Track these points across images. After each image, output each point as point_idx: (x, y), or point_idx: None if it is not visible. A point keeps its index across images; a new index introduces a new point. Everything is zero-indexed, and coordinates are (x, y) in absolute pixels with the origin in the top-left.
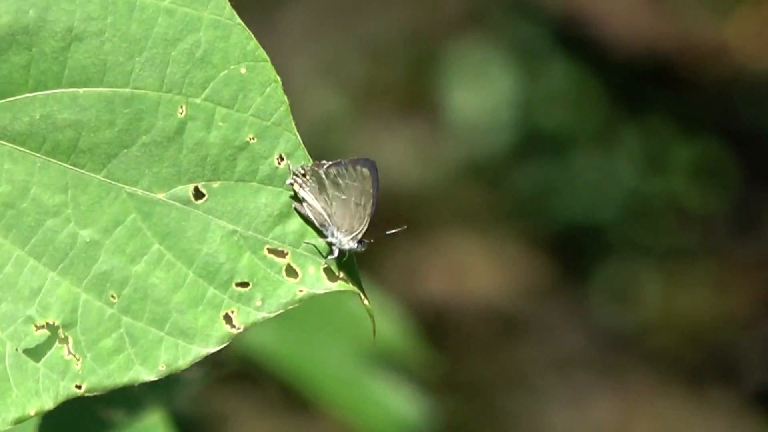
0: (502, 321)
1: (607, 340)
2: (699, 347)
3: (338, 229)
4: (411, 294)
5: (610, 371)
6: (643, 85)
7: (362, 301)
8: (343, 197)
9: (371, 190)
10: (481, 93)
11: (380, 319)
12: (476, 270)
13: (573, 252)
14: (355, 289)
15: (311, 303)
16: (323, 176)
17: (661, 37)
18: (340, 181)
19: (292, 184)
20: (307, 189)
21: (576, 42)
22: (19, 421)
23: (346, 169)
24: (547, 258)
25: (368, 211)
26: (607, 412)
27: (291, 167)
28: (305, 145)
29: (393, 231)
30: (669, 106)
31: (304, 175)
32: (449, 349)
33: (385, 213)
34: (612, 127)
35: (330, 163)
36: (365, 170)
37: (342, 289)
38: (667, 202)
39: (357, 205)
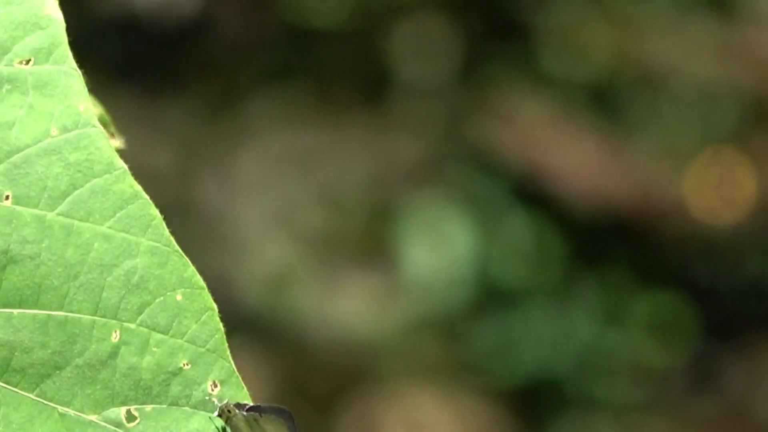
0: None
1: None
2: None
3: None
4: None
5: None
6: (601, 239)
7: None
8: None
9: None
10: (438, 247)
11: None
12: (435, 424)
13: (531, 406)
14: None
15: None
16: (243, 418)
17: (619, 191)
18: (261, 426)
19: (219, 416)
20: (231, 425)
21: (534, 196)
22: None
23: (266, 416)
24: (506, 412)
25: None
26: None
27: (217, 402)
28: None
29: None
30: (627, 260)
31: (229, 412)
32: None
33: (343, 365)
34: (570, 280)
35: (251, 406)
36: (282, 421)
37: None
38: (625, 356)
39: None
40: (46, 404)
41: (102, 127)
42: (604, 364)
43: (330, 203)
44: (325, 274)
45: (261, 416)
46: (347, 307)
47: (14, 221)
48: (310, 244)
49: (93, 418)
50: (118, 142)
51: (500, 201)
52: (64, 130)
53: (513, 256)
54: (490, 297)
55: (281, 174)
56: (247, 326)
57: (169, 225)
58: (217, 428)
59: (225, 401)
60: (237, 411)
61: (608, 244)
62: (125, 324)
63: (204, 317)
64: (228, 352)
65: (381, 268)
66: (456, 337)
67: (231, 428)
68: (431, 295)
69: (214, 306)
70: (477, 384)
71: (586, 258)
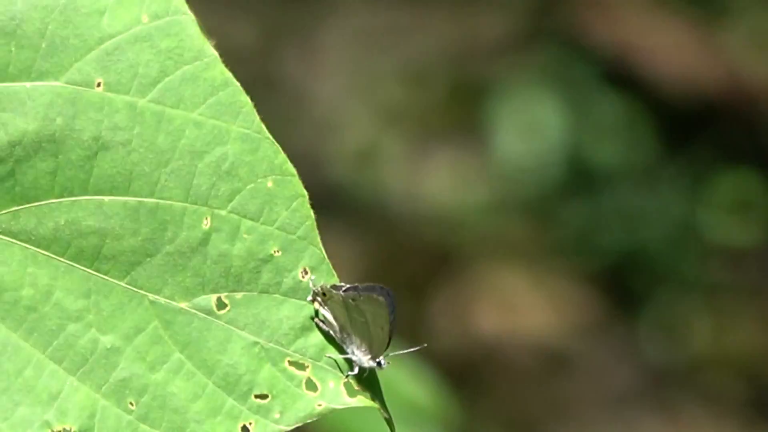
0: (551, 357)
1: (658, 376)
2: (751, 382)
3: (358, 348)
4: (461, 331)
5: (661, 407)
6: (690, 121)
7: (383, 417)
8: (362, 319)
9: (388, 316)
10: (528, 128)
11: (411, 382)
12: (526, 306)
13: (622, 287)
14: (376, 404)
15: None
16: (341, 299)
17: (709, 74)
18: (358, 305)
19: (312, 301)
20: (327, 308)
21: (624, 79)
22: None
23: (363, 295)
24: (597, 293)
25: (386, 333)
26: None
27: (312, 286)
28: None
29: (413, 349)
30: (715, 142)
31: (323, 295)
32: (499, 385)
33: (433, 244)
34: (659, 162)
35: (348, 286)
36: (380, 298)
37: (362, 404)
38: (713, 236)
39: (375, 327)
40: (136, 292)
41: (193, 15)
42: (693, 244)
43: (414, 78)
44: (411, 150)
45: (359, 295)
46: (435, 184)
47: (106, 108)
48: (394, 119)
49: (183, 305)
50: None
51: (590, 83)
52: (155, 17)
53: (603, 138)
54: (581, 178)
55: (365, 49)
56: (333, 203)
57: (252, 101)
58: (311, 314)
59: (320, 283)
60: (334, 292)
61: (697, 126)
62: (216, 211)
63: (294, 204)
64: (318, 239)
65: (467, 145)
66: (546, 219)
67: (326, 311)
68: (521, 175)
69: (305, 193)
70: (568, 266)
71: (675, 139)
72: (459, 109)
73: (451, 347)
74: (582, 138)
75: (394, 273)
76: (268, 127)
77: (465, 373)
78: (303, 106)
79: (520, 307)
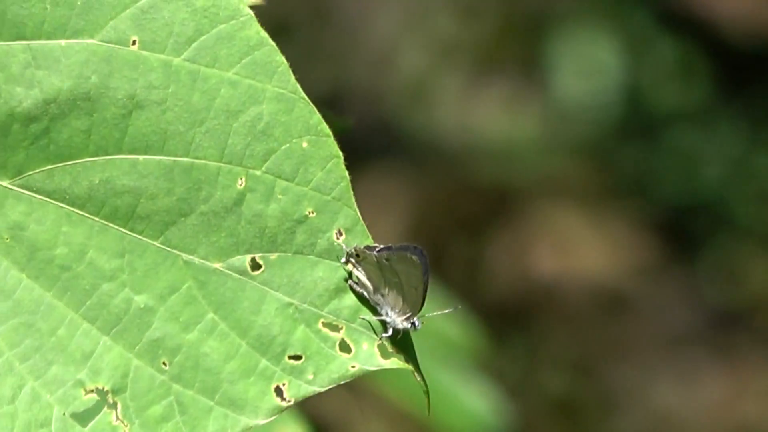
0: (610, 298)
1: (717, 318)
2: None
3: (392, 309)
4: (518, 272)
5: (719, 349)
6: (748, 62)
7: (417, 379)
8: (396, 280)
9: (422, 276)
10: (585, 68)
11: (452, 325)
12: (583, 248)
13: (680, 229)
14: (410, 366)
15: None
16: (375, 260)
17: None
18: (392, 266)
19: (346, 263)
20: (360, 269)
21: (683, 21)
22: None
23: (397, 255)
24: (655, 235)
25: (420, 294)
26: (716, 390)
27: (345, 247)
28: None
29: (444, 311)
30: None
31: (357, 256)
32: (557, 327)
33: (488, 184)
34: (718, 104)
35: (381, 247)
36: (414, 258)
37: (395, 366)
38: None
39: (409, 288)
40: (170, 252)
41: None
42: (751, 186)
43: (469, 11)
44: (465, 85)
45: (392, 255)
46: (489, 120)
47: (141, 66)
48: (448, 53)
49: (217, 265)
50: None
51: (649, 24)
52: None
53: (661, 79)
54: (638, 120)
55: None
56: (386, 139)
57: (305, 34)
58: (345, 275)
59: (354, 245)
60: (367, 253)
61: (756, 68)
62: (251, 171)
63: (329, 165)
64: (353, 200)
65: (522, 82)
66: (603, 160)
67: (360, 272)
68: (578, 115)
69: (340, 153)
70: (625, 207)
71: (734, 81)
72: (513, 44)
73: (509, 289)
74: (640, 79)
75: (450, 214)
76: (320, 60)
77: (523, 314)
78: (356, 40)
79: (578, 248)
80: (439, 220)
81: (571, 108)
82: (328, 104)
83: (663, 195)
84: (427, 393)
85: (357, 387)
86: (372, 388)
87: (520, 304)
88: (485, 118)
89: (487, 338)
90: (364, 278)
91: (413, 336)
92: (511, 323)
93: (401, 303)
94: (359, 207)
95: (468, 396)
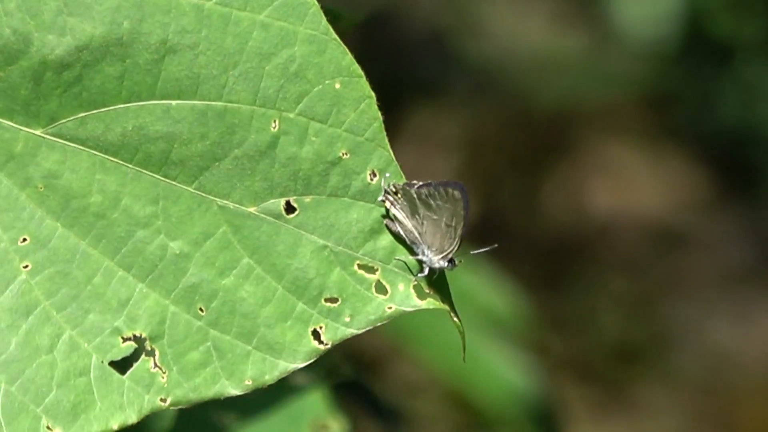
0: (666, 235)
1: None
2: None
3: (429, 247)
4: (573, 207)
5: None
6: None
7: (452, 319)
8: (435, 217)
9: (462, 212)
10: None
11: (491, 293)
12: (640, 183)
13: (738, 165)
14: (446, 306)
15: None
16: (414, 196)
17: None
18: (432, 202)
19: (383, 202)
20: (398, 207)
21: None
22: None
23: (437, 191)
24: (712, 171)
25: (459, 231)
26: None
27: (383, 185)
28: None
29: (482, 250)
30: None
31: (395, 194)
32: (612, 262)
33: (539, 117)
34: None
35: (421, 183)
36: (456, 192)
37: (432, 306)
38: None
39: (448, 225)
40: (204, 197)
41: None
42: None
43: None
44: (516, 5)
45: (433, 190)
46: (540, 41)
47: (173, 11)
48: None
49: (252, 210)
50: None
51: None
52: None
53: (721, 10)
54: (697, 51)
55: None
56: (438, 65)
57: None
58: (379, 217)
59: (392, 182)
60: (407, 189)
61: None
62: (284, 113)
63: (362, 106)
64: (386, 140)
65: (577, 7)
66: (660, 92)
67: (397, 210)
68: (636, 46)
69: (372, 94)
70: (683, 142)
71: None
72: None
73: (564, 225)
74: (699, 8)
75: (503, 149)
76: None
77: (578, 251)
78: None
79: (633, 184)
80: (492, 155)
81: (628, 37)
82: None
83: (720, 129)
84: (462, 334)
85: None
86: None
87: (576, 241)
88: (538, 41)
89: (532, 311)
90: (401, 216)
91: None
92: (566, 260)
93: (439, 240)
94: (410, 145)
95: (506, 369)
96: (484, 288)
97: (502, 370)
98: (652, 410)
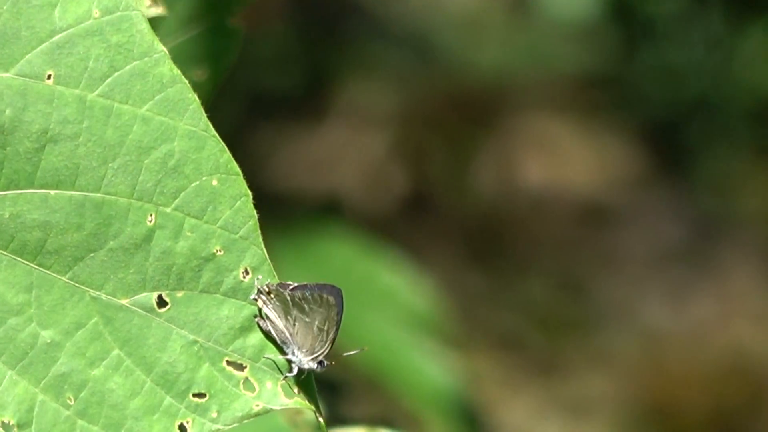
0: (599, 211)
1: (707, 233)
2: None
3: (299, 348)
4: (506, 181)
5: (709, 265)
6: None
7: (317, 418)
8: (307, 320)
9: (336, 317)
10: None
11: (412, 290)
12: (572, 158)
13: (669, 141)
14: (311, 406)
15: (347, 275)
16: (287, 298)
17: None
18: (305, 305)
19: (255, 300)
20: (270, 307)
21: None
22: None
23: (311, 295)
24: (644, 147)
25: (331, 335)
26: (706, 308)
27: (256, 283)
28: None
29: (351, 353)
30: None
31: (268, 293)
32: (545, 238)
33: (474, 92)
34: (697, 13)
35: (295, 285)
36: (331, 298)
37: (297, 406)
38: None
39: (320, 329)
40: (77, 287)
41: (142, 11)
42: (743, 98)
43: None
44: None
45: (307, 294)
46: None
47: (55, 101)
48: None
49: (124, 302)
50: (160, 9)
51: None
52: (106, 11)
53: None
54: (626, 28)
55: None
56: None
57: None
58: (250, 315)
59: (266, 282)
60: (281, 291)
61: None
62: (161, 208)
63: (238, 204)
64: (260, 239)
65: None
66: (591, 69)
67: (269, 310)
68: (565, 25)
69: (249, 192)
70: (613, 118)
71: None
72: None
73: (495, 201)
74: None
75: (434, 126)
76: None
77: (510, 226)
78: None
79: (566, 159)
80: (424, 129)
81: (558, 15)
82: None
83: (652, 106)
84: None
85: None
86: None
87: (508, 216)
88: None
89: (453, 307)
90: (273, 315)
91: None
92: (498, 236)
93: (310, 342)
94: (341, 120)
95: (429, 366)
96: (405, 286)
97: (424, 368)
98: (582, 383)
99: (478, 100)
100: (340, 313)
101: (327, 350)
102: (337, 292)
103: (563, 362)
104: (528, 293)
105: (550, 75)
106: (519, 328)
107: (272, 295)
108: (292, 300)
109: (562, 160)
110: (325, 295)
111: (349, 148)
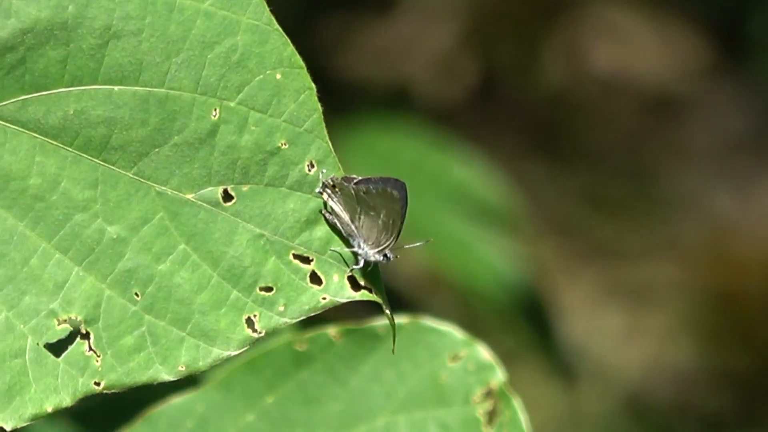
0: (666, 100)
1: None
2: None
3: (365, 241)
4: (574, 70)
5: None
6: None
7: (384, 311)
8: (372, 213)
9: (400, 210)
10: None
11: (485, 185)
12: (640, 47)
13: (739, 32)
14: (378, 299)
15: (417, 169)
16: (352, 191)
17: None
18: (369, 199)
19: (320, 193)
20: (335, 200)
21: None
22: (35, 418)
23: (376, 188)
24: (713, 37)
25: (396, 227)
26: None
27: (321, 177)
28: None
29: (416, 244)
30: None
31: (333, 187)
32: (612, 127)
33: None
34: None
35: (360, 179)
36: (395, 192)
37: (365, 299)
38: None
39: (385, 222)
40: (143, 182)
41: None
42: None
43: None
44: None
45: (371, 188)
46: None
47: None
48: None
49: (190, 196)
50: None
51: None
52: None
53: None
54: None
55: None
56: None
57: None
58: (316, 207)
59: (331, 175)
60: (345, 184)
61: None
62: (225, 102)
63: (302, 97)
64: (325, 132)
65: None
66: None
67: (335, 203)
68: None
69: (313, 86)
70: (686, 6)
71: None
72: None
73: (564, 89)
74: None
75: (502, 17)
76: None
77: (577, 113)
78: None
79: (634, 48)
80: (492, 22)
81: None
82: None
83: None
84: (393, 325)
85: None
86: None
87: (575, 105)
88: None
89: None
90: (338, 209)
91: (382, 267)
92: (565, 124)
93: (375, 235)
94: (410, 14)
95: (500, 261)
96: (474, 180)
97: (495, 262)
98: (645, 270)
99: None
100: (404, 206)
101: (392, 243)
102: (401, 186)
103: (627, 249)
104: (594, 181)
105: None
106: (583, 214)
107: (337, 189)
108: (356, 193)
109: (630, 49)
110: (389, 189)
111: (418, 39)
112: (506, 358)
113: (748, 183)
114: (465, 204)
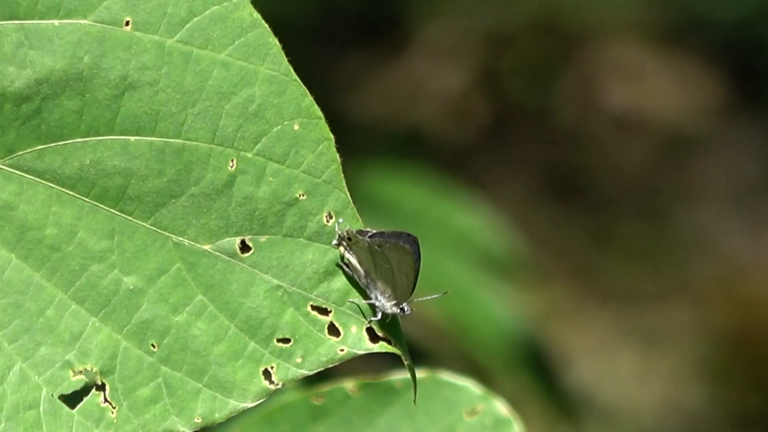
0: (680, 139)
1: None
2: None
3: (381, 293)
4: (587, 108)
5: None
6: None
7: (405, 363)
8: (387, 266)
9: (413, 264)
10: None
11: (488, 233)
12: (655, 86)
13: (754, 72)
14: (398, 350)
15: (421, 217)
16: (367, 244)
17: None
18: (384, 252)
19: (337, 246)
20: (351, 252)
21: None
22: None
23: (388, 242)
24: (727, 77)
25: (411, 280)
26: None
27: (337, 230)
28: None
29: (433, 296)
30: None
31: (349, 239)
32: (625, 166)
33: (552, 19)
34: None
35: (374, 232)
36: (407, 246)
37: (384, 350)
38: None
39: (400, 273)
40: (160, 233)
41: None
42: None
43: None
44: None
45: (384, 242)
46: None
47: (134, 47)
48: None
49: (207, 247)
50: None
51: None
52: None
53: None
54: None
55: None
56: None
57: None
58: (335, 258)
59: (346, 228)
60: (360, 238)
61: None
62: (242, 153)
63: (321, 147)
64: (344, 183)
65: None
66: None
67: (351, 256)
68: None
69: (331, 136)
70: (701, 45)
71: None
72: None
73: (576, 127)
74: None
75: (515, 50)
76: None
77: (590, 152)
78: None
79: (648, 87)
80: (504, 61)
81: None
82: None
83: (737, 35)
84: (413, 376)
85: None
86: None
87: (588, 144)
88: None
89: (529, 245)
90: (355, 262)
91: (403, 320)
92: (578, 163)
93: (391, 288)
94: (422, 54)
95: (502, 310)
96: (481, 228)
97: (497, 311)
98: (657, 312)
99: (559, 27)
100: (417, 260)
101: (409, 295)
102: (413, 240)
103: (639, 290)
104: (607, 222)
105: (633, 1)
106: (596, 255)
107: (352, 241)
108: (371, 247)
109: (644, 87)
110: (401, 243)
111: (429, 79)
112: (512, 404)
113: (761, 223)
114: (468, 252)
